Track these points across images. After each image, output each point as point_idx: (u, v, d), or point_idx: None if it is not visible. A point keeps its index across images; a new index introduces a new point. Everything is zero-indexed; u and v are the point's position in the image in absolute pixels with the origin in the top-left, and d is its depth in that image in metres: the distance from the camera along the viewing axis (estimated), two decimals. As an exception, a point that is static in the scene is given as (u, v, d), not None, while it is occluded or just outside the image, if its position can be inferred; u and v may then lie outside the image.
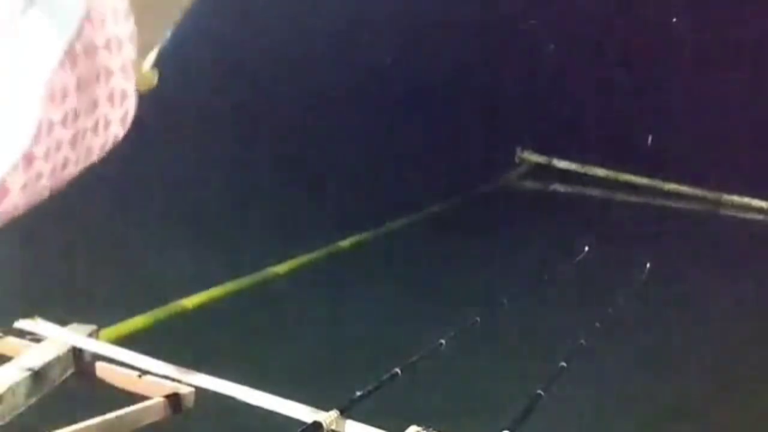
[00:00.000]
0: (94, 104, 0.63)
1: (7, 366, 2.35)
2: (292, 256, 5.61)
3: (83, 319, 2.80)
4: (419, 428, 2.12)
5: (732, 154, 8.88)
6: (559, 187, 9.82)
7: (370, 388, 2.33)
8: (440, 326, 2.96)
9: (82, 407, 2.30)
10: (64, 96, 0.60)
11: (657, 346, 4.95)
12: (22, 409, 2.18)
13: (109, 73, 0.63)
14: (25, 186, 0.59)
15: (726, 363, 4.78)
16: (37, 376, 2.33)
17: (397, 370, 2.48)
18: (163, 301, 4.53)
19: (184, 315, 4.54)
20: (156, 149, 7.97)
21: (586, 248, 4.64)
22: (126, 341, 3.47)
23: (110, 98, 0.64)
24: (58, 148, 0.60)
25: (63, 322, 2.68)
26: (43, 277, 4.89)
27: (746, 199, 9.01)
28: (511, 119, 9.73)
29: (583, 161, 9.88)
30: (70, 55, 0.60)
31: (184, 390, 2.31)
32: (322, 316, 4.95)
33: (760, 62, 9.51)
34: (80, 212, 6.22)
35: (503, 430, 2.28)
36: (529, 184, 9.93)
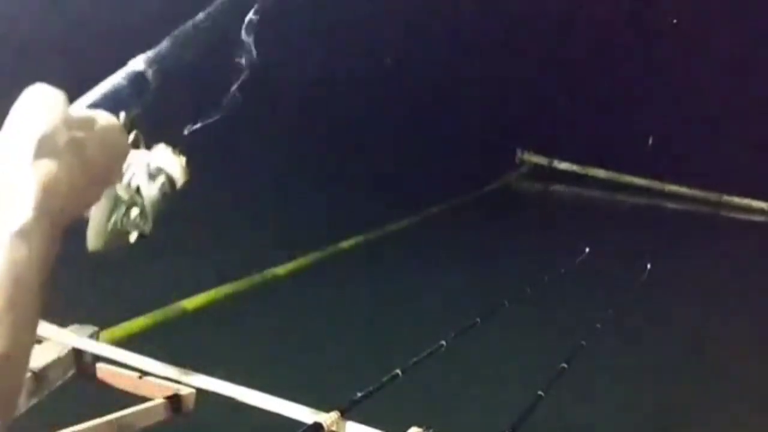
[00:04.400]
0: None
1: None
2: (292, 257, 5.61)
3: (83, 320, 2.80)
4: (420, 429, 2.11)
5: (732, 155, 8.88)
6: (559, 188, 9.83)
7: (370, 389, 2.33)
8: (441, 327, 2.96)
9: (82, 409, 2.30)
10: None
11: (657, 347, 4.95)
12: (23, 410, 2.18)
13: None
14: None
15: (726, 363, 4.78)
16: (38, 377, 2.32)
17: (398, 371, 2.47)
18: (164, 302, 4.53)
19: (185, 315, 4.55)
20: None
21: (587, 249, 4.63)
22: (126, 342, 3.47)
23: None
24: None
25: (63, 323, 2.67)
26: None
27: (746, 200, 9.01)
28: (512, 121, 9.73)
29: (584, 162, 9.89)
30: None
31: (184, 391, 2.30)
32: (322, 317, 4.95)
33: (760, 63, 9.51)
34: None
35: (504, 431, 2.28)
36: (530, 185, 9.93)
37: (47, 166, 0.61)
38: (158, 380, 2.44)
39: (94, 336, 2.73)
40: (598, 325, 3.41)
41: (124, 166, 0.80)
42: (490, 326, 3.13)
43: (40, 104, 0.63)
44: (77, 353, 2.55)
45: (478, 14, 9.57)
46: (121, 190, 0.88)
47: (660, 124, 9.78)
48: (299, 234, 6.17)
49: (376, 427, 2.15)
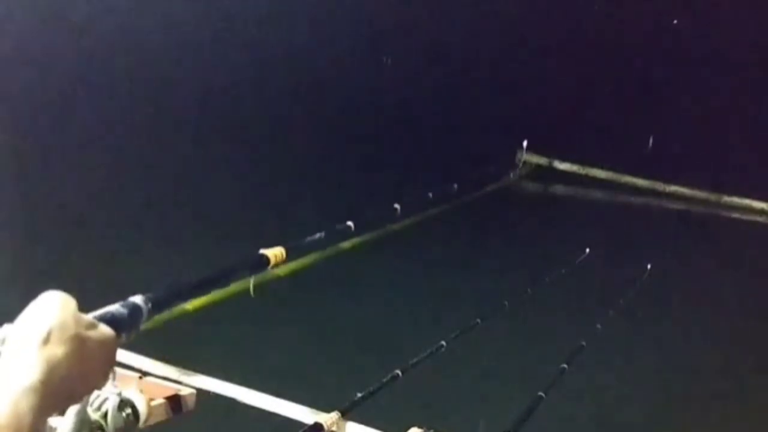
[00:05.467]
0: None
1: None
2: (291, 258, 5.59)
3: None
4: (420, 430, 2.11)
5: (732, 155, 8.88)
6: (559, 189, 9.82)
7: (371, 389, 2.32)
8: (441, 327, 2.96)
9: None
10: None
11: (657, 347, 4.95)
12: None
13: None
14: None
15: (727, 363, 4.78)
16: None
17: (398, 371, 2.47)
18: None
19: (186, 316, 4.54)
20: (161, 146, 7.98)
21: (587, 250, 4.63)
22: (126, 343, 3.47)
23: None
24: None
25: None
26: (44, 277, 4.89)
27: (747, 201, 9.00)
28: (511, 121, 9.73)
29: (584, 162, 9.88)
30: None
31: (185, 391, 2.29)
32: (322, 318, 4.95)
33: (761, 63, 9.50)
34: (81, 209, 6.23)
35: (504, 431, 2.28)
36: (530, 186, 9.92)
37: (53, 348, 0.76)
38: (158, 380, 2.44)
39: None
40: (599, 326, 3.41)
41: (95, 394, 0.98)
42: (490, 326, 3.13)
43: (55, 302, 0.79)
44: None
45: (480, 15, 9.57)
46: (91, 411, 1.00)
47: (660, 124, 9.78)
48: (297, 235, 6.15)
49: (376, 427, 2.15)
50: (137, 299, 0.95)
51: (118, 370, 2.58)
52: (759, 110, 9.41)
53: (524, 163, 10.16)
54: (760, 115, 9.37)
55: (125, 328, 0.90)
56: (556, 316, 4.89)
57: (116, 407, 1.10)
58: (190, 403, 2.34)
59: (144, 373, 2.51)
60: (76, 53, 9.71)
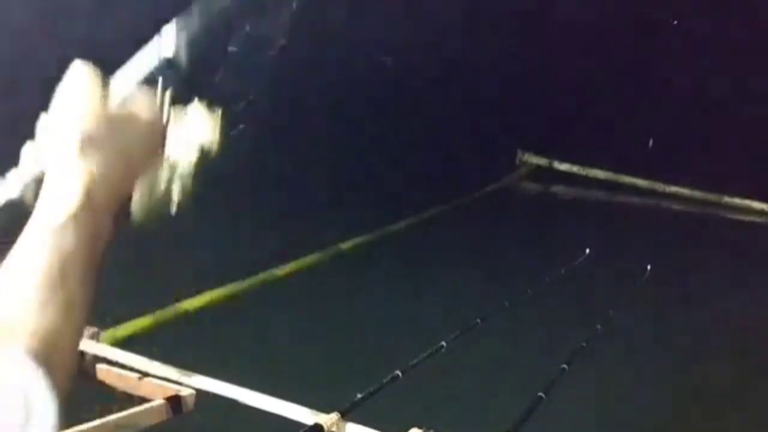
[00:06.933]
0: None
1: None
2: (292, 258, 5.61)
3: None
4: (420, 430, 2.11)
5: (732, 155, 8.88)
6: (559, 189, 9.83)
7: (370, 390, 2.33)
8: (441, 327, 2.96)
9: (82, 409, 2.30)
10: None
11: (657, 348, 4.95)
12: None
13: None
14: None
15: (727, 364, 4.78)
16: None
17: (398, 372, 2.47)
18: (172, 301, 4.53)
19: (186, 317, 4.54)
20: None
21: (587, 251, 4.63)
22: (127, 343, 3.47)
23: None
24: None
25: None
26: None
27: (747, 201, 9.00)
28: (512, 121, 9.73)
29: (584, 163, 9.89)
30: None
31: (185, 392, 2.30)
32: (322, 318, 4.95)
33: (761, 63, 9.50)
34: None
35: (504, 432, 2.28)
36: (530, 186, 9.92)
37: (91, 161, 0.68)
38: (158, 381, 2.44)
39: (95, 337, 2.73)
40: (599, 327, 3.41)
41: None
42: (490, 327, 3.13)
43: (85, 96, 0.69)
44: (78, 354, 2.55)
45: (479, 14, 9.57)
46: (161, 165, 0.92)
47: (660, 125, 9.77)
48: (297, 235, 6.16)
49: (376, 428, 2.15)
50: (168, 42, 0.78)
51: (118, 370, 2.58)
52: (759, 110, 9.40)
53: (524, 163, 10.18)
54: (761, 115, 9.36)
55: (166, 82, 0.78)
56: (556, 316, 4.89)
57: (185, 153, 0.95)
58: (190, 403, 2.35)
59: (144, 374, 2.51)
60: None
